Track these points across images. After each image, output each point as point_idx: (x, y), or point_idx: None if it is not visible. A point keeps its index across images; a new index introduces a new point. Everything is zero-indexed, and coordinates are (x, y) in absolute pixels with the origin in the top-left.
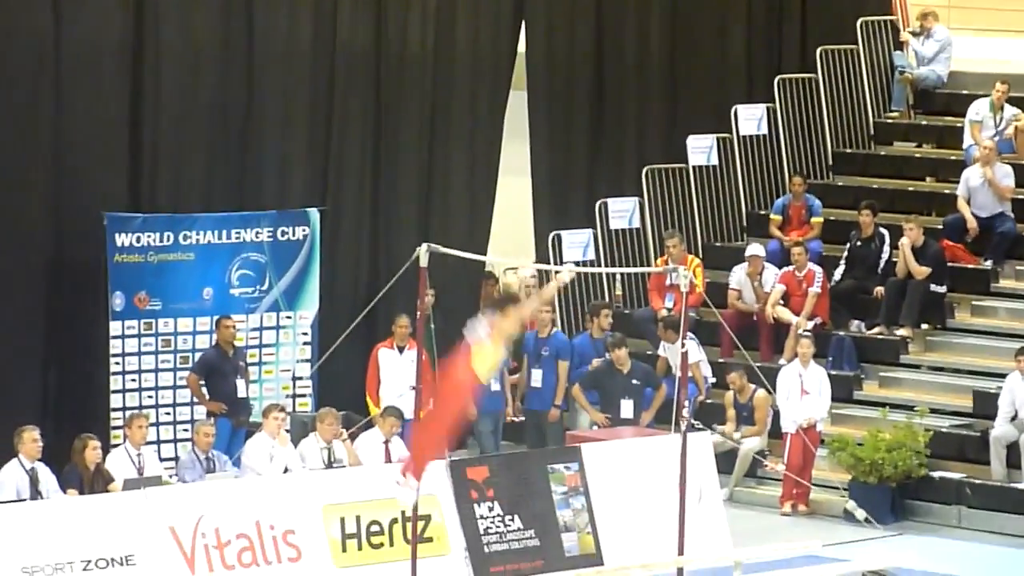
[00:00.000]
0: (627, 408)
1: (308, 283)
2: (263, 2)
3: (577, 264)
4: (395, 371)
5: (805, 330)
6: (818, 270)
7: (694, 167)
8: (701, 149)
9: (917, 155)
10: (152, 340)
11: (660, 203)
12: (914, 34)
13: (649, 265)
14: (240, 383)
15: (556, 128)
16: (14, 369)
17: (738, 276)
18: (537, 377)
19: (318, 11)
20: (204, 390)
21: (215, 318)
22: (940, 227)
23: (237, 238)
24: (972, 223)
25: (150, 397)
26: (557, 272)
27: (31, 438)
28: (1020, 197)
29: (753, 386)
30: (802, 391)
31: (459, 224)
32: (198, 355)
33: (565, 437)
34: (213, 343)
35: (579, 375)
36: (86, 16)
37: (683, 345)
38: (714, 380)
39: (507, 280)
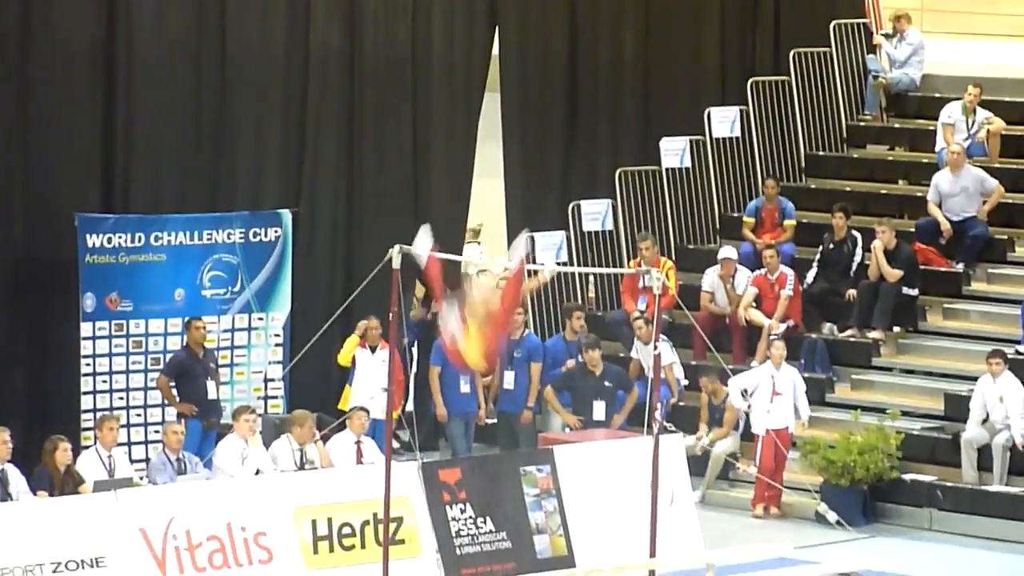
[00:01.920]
0: (599, 410)
1: (280, 285)
2: (236, 3)
3: (559, 264)
4: (367, 371)
5: (775, 333)
6: (790, 273)
7: (667, 169)
8: (674, 151)
9: (889, 158)
10: (123, 341)
11: (633, 205)
12: (887, 36)
13: (622, 268)
14: (211, 385)
15: (529, 130)
16: None
17: (711, 279)
18: (509, 379)
19: (291, 13)
20: (174, 392)
21: (186, 320)
22: (912, 230)
23: (209, 239)
24: (946, 225)
25: (121, 399)
26: (541, 265)
27: (0, 439)
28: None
29: (727, 389)
30: (774, 393)
31: (433, 226)
32: (169, 356)
33: (537, 439)
34: (184, 344)
35: (552, 377)
36: (57, 16)
37: (656, 347)
38: (687, 382)
39: (480, 281)
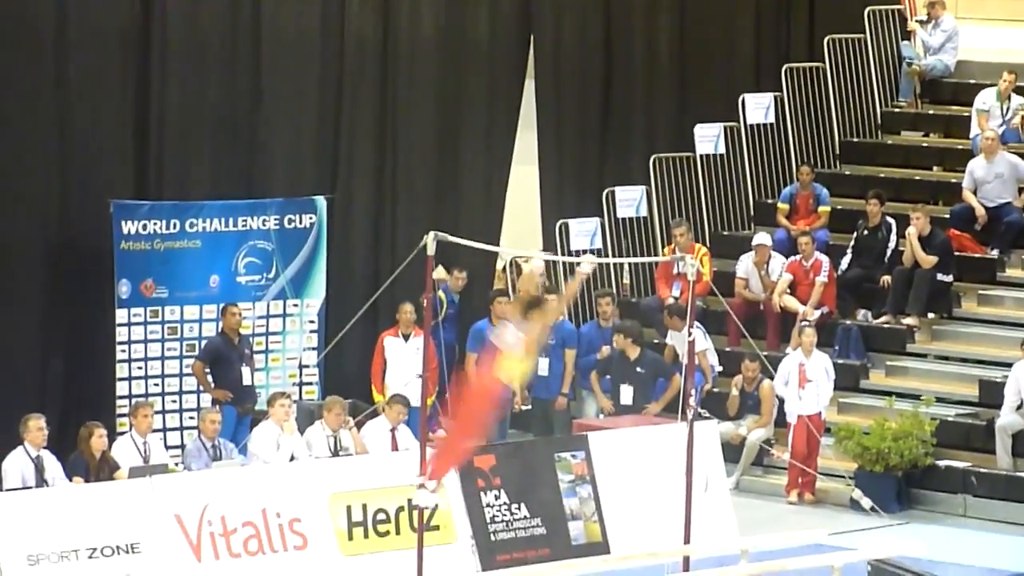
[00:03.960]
0: (626, 394)
1: (315, 271)
2: None
3: (588, 252)
4: (401, 359)
5: (806, 320)
6: (825, 259)
7: (701, 156)
8: (708, 138)
9: (924, 144)
10: (158, 328)
11: (667, 192)
12: (921, 23)
13: (656, 254)
14: (245, 371)
15: (564, 117)
16: (19, 356)
17: (745, 265)
18: (544, 365)
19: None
20: (209, 378)
21: (221, 306)
22: (947, 216)
23: (244, 226)
24: (980, 212)
25: (156, 385)
26: (577, 264)
27: (36, 426)
28: None
29: (760, 375)
30: (804, 379)
31: (470, 213)
32: (205, 342)
33: (572, 425)
34: (219, 331)
35: (587, 363)
36: (91, 4)
37: (690, 334)
38: (721, 369)
39: (526, 271)
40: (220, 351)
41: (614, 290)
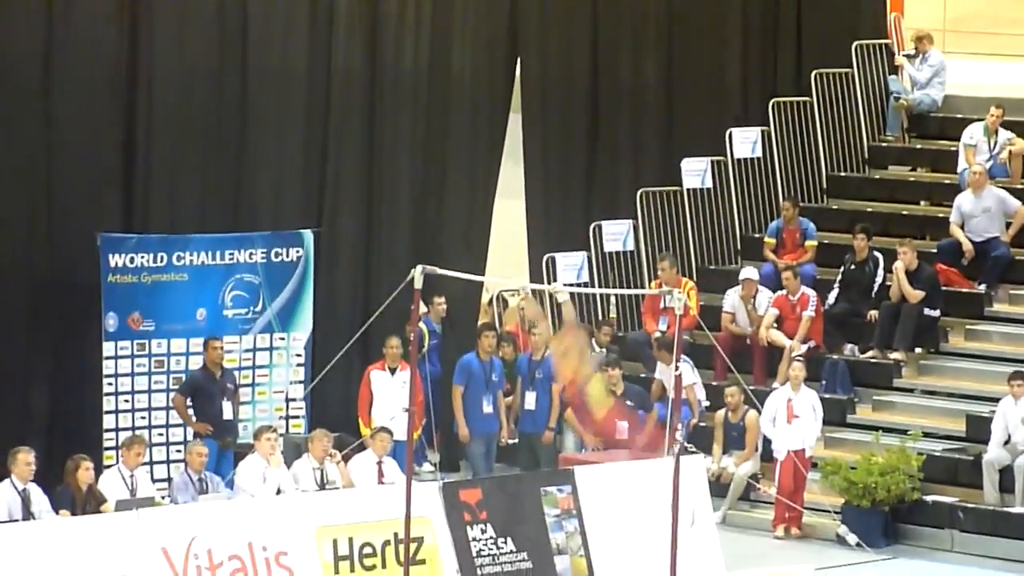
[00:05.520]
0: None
1: (302, 304)
2: (258, 23)
3: (568, 285)
4: (387, 392)
5: (798, 354)
6: (812, 294)
7: (688, 190)
8: (695, 172)
9: (911, 179)
10: (145, 361)
11: (654, 226)
12: (909, 57)
13: (643, 288)
14: (227, 405)
15: (551, 151)
16: (6, 389)
17: (732, 299)
18: (531, 399)
19: (313, 32)
20: (191, 411)
21: (205, 339)
22: (934, 251)
23: (231, 259)
24: (968, 246)
25: (143, 418)
26: (554, 291)
27: (24, 460)
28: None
29: (745, 407)
30: (791, 415)
31: (455, 245)
32: (185, 376)
33: (558, 460)
34: (202, 364)
35: None
36: (79, 36)
37: (677, 368)
38: (708, 403)
39: (512, 305)
40: (200, 385)
41: (587, 324)
